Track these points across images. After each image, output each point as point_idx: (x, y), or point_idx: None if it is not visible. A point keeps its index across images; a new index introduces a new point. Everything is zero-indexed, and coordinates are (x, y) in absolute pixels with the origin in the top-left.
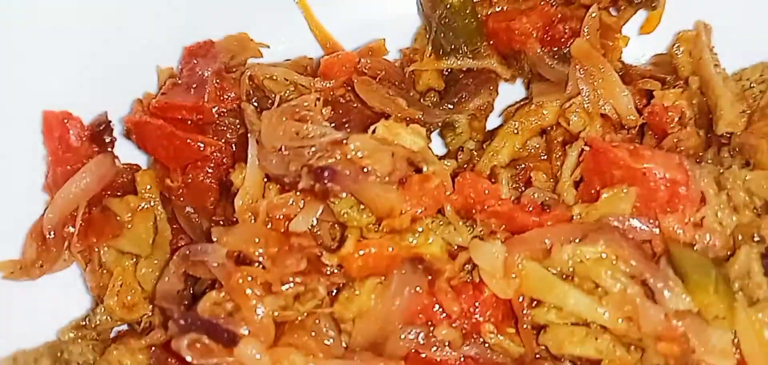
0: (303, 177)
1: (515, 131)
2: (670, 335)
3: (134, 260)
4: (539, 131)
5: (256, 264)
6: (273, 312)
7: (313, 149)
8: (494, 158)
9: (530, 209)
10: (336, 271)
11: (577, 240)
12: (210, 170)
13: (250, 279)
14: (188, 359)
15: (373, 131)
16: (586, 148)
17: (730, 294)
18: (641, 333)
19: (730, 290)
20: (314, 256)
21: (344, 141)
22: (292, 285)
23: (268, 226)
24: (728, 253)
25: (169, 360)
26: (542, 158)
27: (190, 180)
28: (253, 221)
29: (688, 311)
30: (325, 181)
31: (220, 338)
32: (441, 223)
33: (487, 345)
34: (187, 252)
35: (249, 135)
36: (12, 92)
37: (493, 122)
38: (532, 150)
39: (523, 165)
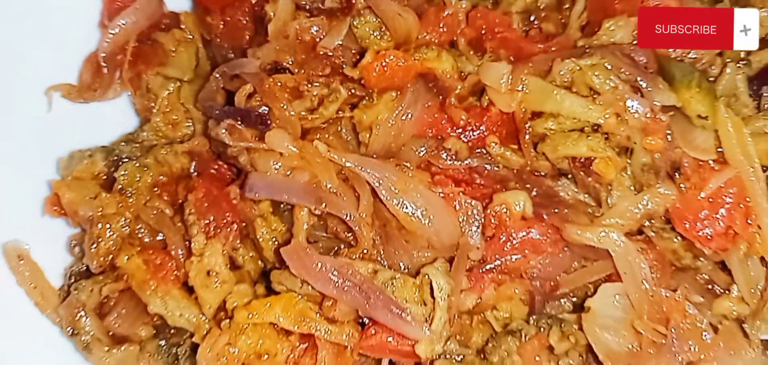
0: None
1: None
2: (654, 127)
3: (178, 84)
4: None
5: (286, 73)
6: (300, 112)
7: None
8: (508, 8)
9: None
10: (356, 90)
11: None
12: (246, 10)
13: (279, 84)
14: (225, 141)
15: None
16: None
17: (712, 93)
18: (629, 128)
19: (713, 89)
20: (338, 66)
21: None
22: (317, 84)
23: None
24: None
25: (209, 168)
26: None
27: (228, 19)
28: None
29: (672, 106)
30: None
31: (253, 122)
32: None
33: (490, 157)
34: (226, 68)
35: None
36: None
37: None
38: (545, 4)
39: (533, 18)
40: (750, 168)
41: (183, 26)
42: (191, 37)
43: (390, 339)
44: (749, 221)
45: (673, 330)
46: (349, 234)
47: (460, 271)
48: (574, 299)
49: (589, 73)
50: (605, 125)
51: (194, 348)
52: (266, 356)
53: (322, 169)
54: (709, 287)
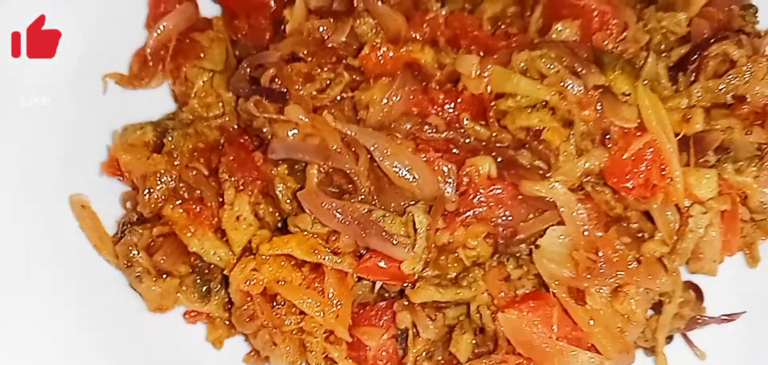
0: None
1: None
2: (588, 101)
3: (211, 74)
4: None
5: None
6: (311, 92)
7: None
8: (480, 15)
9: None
10: (356, 76)
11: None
12: (266, 14)
13: (295, 71)
14: (253, 112)
15: None
16: None
17: (633, 75)
18: (569, 103)
19: (634, 72)
20: (342, 56)
21: None
22: (326, 70)
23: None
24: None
25: (236, 141)
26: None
27: (252, 23)
28: None
29: (602, 85)
30: None
31: (275, 98)
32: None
33: (462, 130)
34: (252, 59)
35: None
36: None
37: None
38: (510, 13)
39: (500, 23)
40: (663, 133)
41: (215, 28)
42: (222, 36)
43: (381, 263)
44: (664, 174)
45: (602, 256)
46: (350, 186)
47: (437, 214)
48: (532, 247)
49: (539, 61)
50: (551, 100)
51: (223, 282)
52: (283, 282)
53: (329, 135)
54: (639, 235)
